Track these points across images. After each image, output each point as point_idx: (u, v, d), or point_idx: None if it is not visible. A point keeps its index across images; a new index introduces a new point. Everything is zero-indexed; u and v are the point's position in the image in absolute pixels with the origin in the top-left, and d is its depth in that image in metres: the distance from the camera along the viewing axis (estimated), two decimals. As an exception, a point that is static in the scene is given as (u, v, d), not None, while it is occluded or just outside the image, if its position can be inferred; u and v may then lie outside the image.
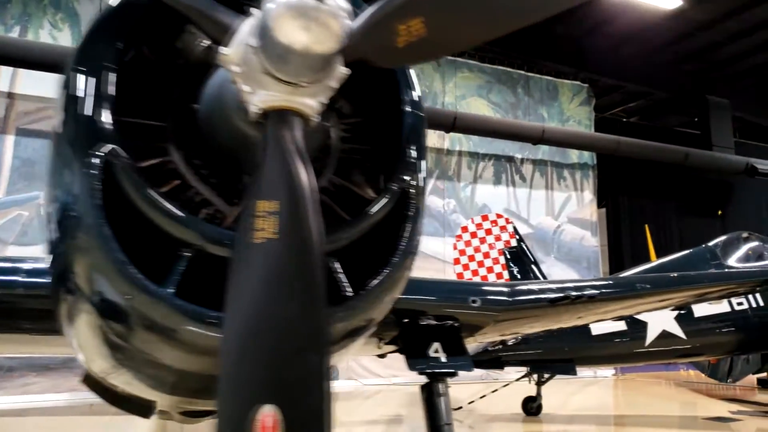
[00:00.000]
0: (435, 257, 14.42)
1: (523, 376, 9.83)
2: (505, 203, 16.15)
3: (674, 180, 19.32)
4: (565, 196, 17.19)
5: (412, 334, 3.25)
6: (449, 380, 3.28)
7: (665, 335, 8.77)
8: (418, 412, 3.38)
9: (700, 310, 8.83)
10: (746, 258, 9.35)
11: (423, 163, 1.84)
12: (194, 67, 1.71)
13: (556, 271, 15.73)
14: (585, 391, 14.04)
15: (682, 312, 8.73)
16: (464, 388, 10.82)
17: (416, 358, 3.19)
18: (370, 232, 1.77)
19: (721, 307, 8.87)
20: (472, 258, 10.26)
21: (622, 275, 10.18)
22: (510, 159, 16.60)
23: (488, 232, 10.26)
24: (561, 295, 3.49)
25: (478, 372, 11.21)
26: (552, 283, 4.34)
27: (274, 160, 1.38)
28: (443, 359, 3.18)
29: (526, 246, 10.46)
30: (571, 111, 17.52)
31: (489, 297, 3.28)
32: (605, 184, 18.33)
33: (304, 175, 1.38)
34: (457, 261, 10.47)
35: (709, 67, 18.24)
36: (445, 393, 3.22)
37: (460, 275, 10.21)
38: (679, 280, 4.46)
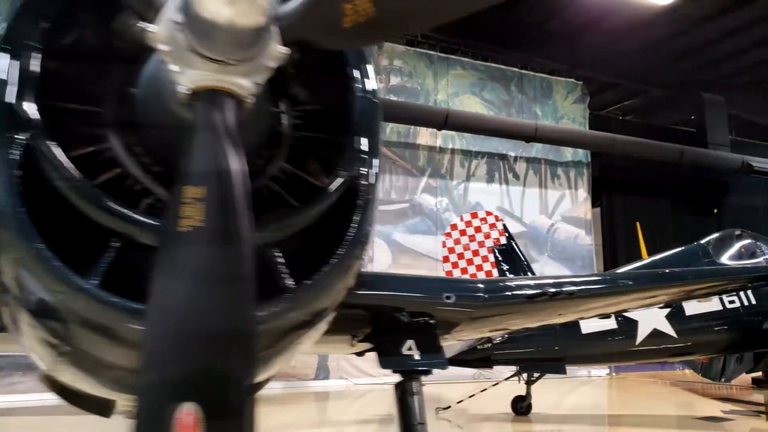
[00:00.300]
0: (428, 256, 14.38)
1: (512, 375, 9.75)
2: (499, 201, 16.07)
3: (669, 178, 19.29)
4: (559, 194, 17.09)
5: (385, 331, 3.17)
6: (432, 378, 3.20)
7: (656, 334, 8.67)
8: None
9: (692, 308, 8.73)
10: (739, 256, 9.27)
11: (376, 151, 1.77)
12: (133, 49, 1.64)
13: (550, 270, 15.66)
14: (578, 391, 13.99)
15: (674, 310, 8.65)
16: (456, 388, 10.76)
17: (389, 356, 3.11)
18: (320, 222, 1.70)
19: (713, 305, 8.77)
20: (461, 256, 10.16)
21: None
22: (503, 157, 16.50)
23: (478, 229, 10.16)
24: (539, 291, 3.40)
25: (470, 371, 11.15)
26: (531, 279, 4.24)
27: (202, 144, 1.32)
28: (417, 357, 3.10)
29: (516, 244, 10.37)
30: (566, 109, 17.43)
31: (464, 293, 3.19)
32: (600, 182, 18.26)
33: (234, 160, 1.31)
34: (446, 259, 10.38)
35: (704, 65, 18.16)
36: (419, 392, 3.15)
37: (449, 273, 10.12)
38: (662, 277, 4.36)
